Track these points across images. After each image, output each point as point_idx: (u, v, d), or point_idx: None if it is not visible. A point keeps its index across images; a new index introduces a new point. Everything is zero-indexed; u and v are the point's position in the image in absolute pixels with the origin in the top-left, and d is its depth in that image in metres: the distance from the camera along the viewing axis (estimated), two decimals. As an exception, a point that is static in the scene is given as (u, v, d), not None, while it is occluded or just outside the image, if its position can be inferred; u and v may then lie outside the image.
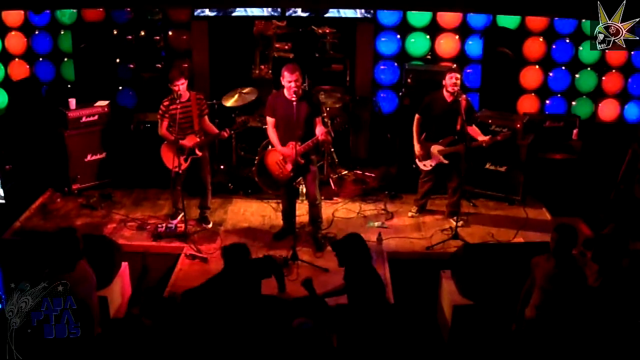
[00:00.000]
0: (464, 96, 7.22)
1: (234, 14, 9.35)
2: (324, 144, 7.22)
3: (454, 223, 7.39)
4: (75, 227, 6.36)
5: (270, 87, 8.71)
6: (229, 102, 8.51)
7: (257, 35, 9.55)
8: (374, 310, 5.09)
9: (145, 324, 4.75)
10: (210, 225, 7.61)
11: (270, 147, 7.27)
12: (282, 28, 9.36)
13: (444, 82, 7.29)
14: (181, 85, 7.05)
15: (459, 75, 7.24)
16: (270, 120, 6.94)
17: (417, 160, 7.61)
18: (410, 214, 7.92)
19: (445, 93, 7.30)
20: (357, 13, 9.31)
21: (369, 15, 9.31)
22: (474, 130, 7.39)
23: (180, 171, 7.21)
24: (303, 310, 5.38)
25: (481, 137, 7.34)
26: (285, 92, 6.68)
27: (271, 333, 5.00)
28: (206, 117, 7.35)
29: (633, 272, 5.23)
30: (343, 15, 9.29)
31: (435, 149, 7.44)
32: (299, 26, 9.48)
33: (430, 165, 7.55)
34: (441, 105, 7.32)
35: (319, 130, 6.78)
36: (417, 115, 7.51)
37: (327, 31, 9.29)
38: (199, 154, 7.26)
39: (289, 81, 6.60)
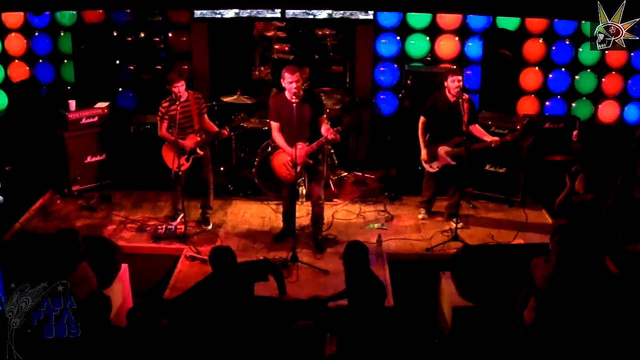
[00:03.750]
0: (466, 96, 7.22)
1: (230, 16, 9.33)
2: (332, 143, 7.09)
3: (454, 224, 7.38)
4: (75, 229, 6.38)
5: (269, 89, 8.70)
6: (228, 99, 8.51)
7: (257, 36, 9.55)
8: (373, 313, 5.09)
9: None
10: (210, 227, 7.61)
11: (270, 148, 7.26)
12: (282, 30, 9.35)
13: (445, 84, 7.29)
14: (180, 87, 7.06)
15: (460, 78, 7.22)
16: (274, 124, 6.86)
17: (423, 162, 7.59)
18: (420, 216, 7.89)
19: (447, 93, 7.29)
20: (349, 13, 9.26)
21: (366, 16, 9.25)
22: (478, 130, 7.36)
23: (181, 172, 7.22)
24: (303, 312, 5.39)
25: (489, 138, 7.30)
26: (286, 93, 6.67)
27: (268, 335, 4.99)
28: (206, 116, 7.34)
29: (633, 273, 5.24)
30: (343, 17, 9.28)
31: (442, 150, 7.40)
32: (299, 28, 9.47)
33: (437, 167, 7.50)
34: (444, 105, 7.30)
35: (325, 130, 6.70)
36: (422, 118, 7.46)
37: (327, 33, 9.27)
38: (200, 153, 7.26)
39: (289, 82, 6.56)
